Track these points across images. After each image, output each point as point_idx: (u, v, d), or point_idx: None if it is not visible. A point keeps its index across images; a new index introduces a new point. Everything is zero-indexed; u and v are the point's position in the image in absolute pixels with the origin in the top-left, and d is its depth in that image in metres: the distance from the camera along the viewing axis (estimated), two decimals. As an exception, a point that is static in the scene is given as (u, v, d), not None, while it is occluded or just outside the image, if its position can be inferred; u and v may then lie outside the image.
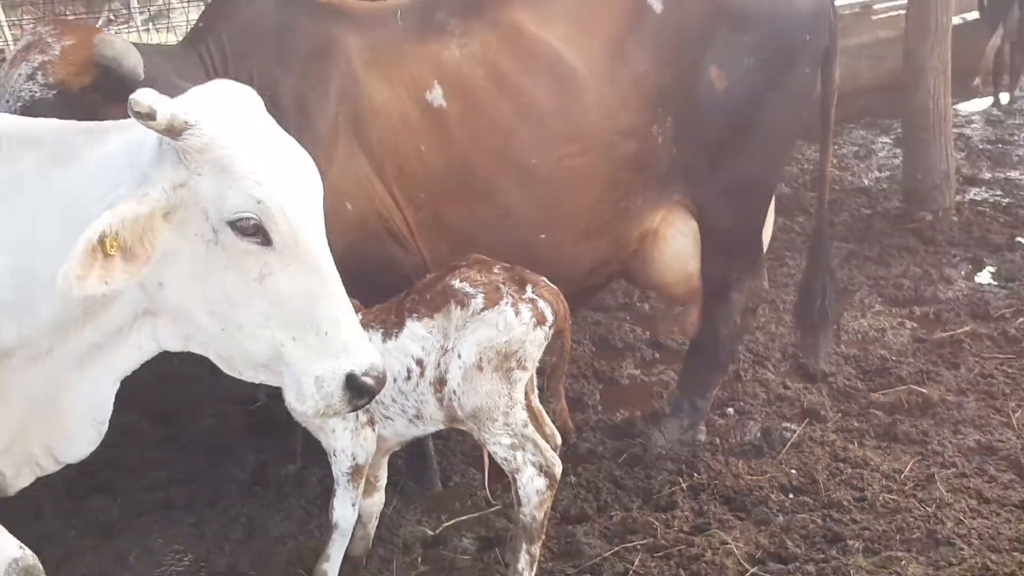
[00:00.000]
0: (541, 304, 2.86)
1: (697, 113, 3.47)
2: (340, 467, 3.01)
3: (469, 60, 3.32)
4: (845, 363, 4.67)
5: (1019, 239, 6.16)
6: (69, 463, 2.59)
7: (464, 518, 3.58)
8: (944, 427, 4.06)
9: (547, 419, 3.10)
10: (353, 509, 3.05)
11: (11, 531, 2.46)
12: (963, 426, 4.06)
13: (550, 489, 2.91)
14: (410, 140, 3.30)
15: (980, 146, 8.21)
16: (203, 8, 4.76)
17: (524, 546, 2.94)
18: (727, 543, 3.32)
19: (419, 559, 3.37)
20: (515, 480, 2.90)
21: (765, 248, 3.98)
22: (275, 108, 2.51)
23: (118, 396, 2.43)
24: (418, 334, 2.88)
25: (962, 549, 3.21)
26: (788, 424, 4.16)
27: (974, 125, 8.93)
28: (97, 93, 2.86)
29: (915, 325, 5.08)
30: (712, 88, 3.45)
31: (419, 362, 2.89)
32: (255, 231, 2.13)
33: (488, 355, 2.80)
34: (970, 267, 5.85)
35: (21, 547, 2.45)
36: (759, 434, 4.09)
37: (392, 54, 3.33)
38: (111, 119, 2.38)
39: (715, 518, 3.49)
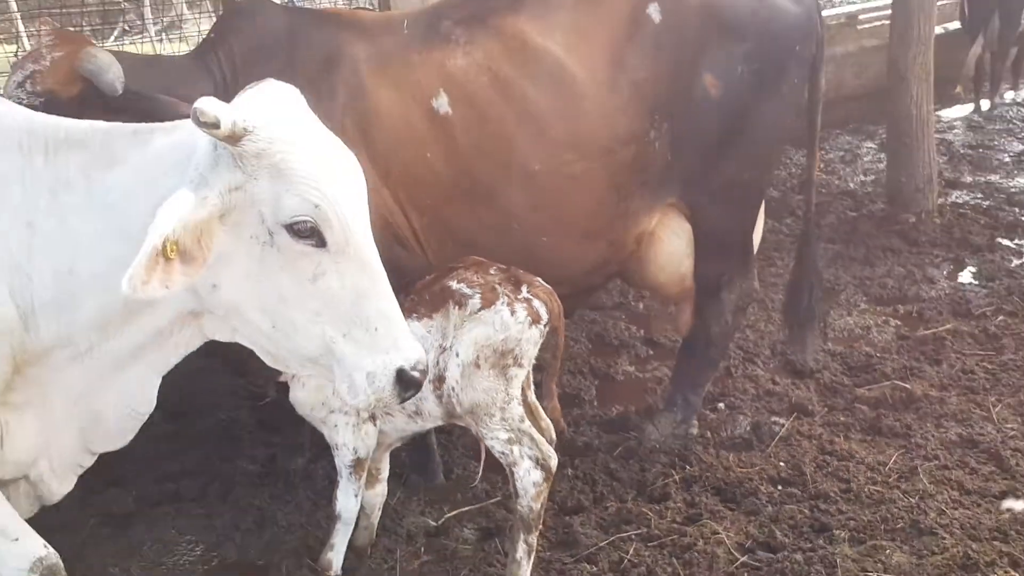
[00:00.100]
0: (536, 303, 2.86)
1: (692, 119, 3.47)
2: (343, 460, 3.01)
3: (474, 68, 3.31)
4: (831, 360, 4.66)
5: (999, 240, 6.16)
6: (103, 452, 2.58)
7: (465, 509, 3.58)
8: (927, 421, 4.06)
9: (543, 414, 3.10)
10: (356, 500, 3.05)
11: (28, 522, 2.47)
12: (945, 420, 4.06)
13: (546, 481, 2.91)
14: (416, 147, 3.29)
15: (962, 151, 8.21)
16: (214, 20, 4.75)
17: (522, 536, 2.94)
18: (718, 533, 3.32)
19: (422, 549, 3.37)
20: (512, 473, 2.90)
21: (755, 249, 3.98)
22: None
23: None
24: (417, 333, 2.87)
25: (944, 538, 3.21)
26: (777, 418, 4.16)
27: (956, 131, 8.93)
28: (84, 103, 2.86)
29: (899, 323, 5.08)
30: (707, 95, 3.45)
31: None
32: (310, 233, 2.11)
33: (485, 353, 2.80)
34: (952, 267, 5.84)
35: (46, 546, 2.45)
36: (749, 428, 4.09)
37: (398, 62, 3.32)
38: None
39: (706, 509, 3.49)
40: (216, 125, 1.95)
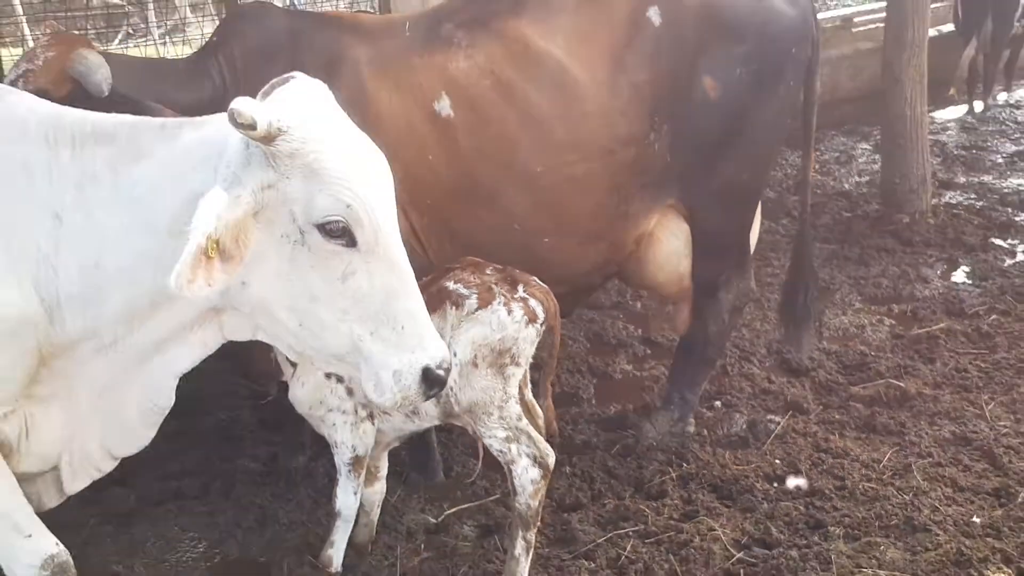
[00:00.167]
0: (532, 303, 2.85)
1: (692, 121, 3.46)
2: (342, 458, 3.01)
3: (476, 71, 3.30)
4: (827, 358, 4.66)
5: (992, 240, 6.16)
6: (124, 457, 2.57)
7: (465, 506, 3.58)
8: (921, 419, 4.05)
9: (540, 412, 3.10)
10: (355, 497, 3.05)
11: (31, 519, 2.46)
12: (939, 418, 4.06)
13: (544, 479, 2.90)
14: (417, 148, 3.28)
15: (955, 152, 8.20)
16: (217, 23, 4.75)
17: (520, 533, 2.93)
18: (714, 529, 3.31)
19: (422, 546, 3.36)
20: (510, 471, 2.90)
21: (752, 250, 3.98)
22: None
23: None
24: None
25: (938, 535, 3.21)
26: (772, 416, 4.15)
27: (949, 132, 8.92)
28: (73, 103, 2.87)
29: (893, 322, 5.08)
30: (706, 97, 3.44)
31: None
32: (342, 233, 2.10)
33: (483, 352, 2.80)
34: (945, 267, 5.84)
35: (57, 544, 2.45)
36: (745, 426, 4.08)
37: (400, 65, 3.31)
38: None
39: (703, 506, 3.48)
40: (253, 126, 1.94)
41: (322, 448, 3.49)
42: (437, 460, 3.77)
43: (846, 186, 7.47)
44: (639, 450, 3.88)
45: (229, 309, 2.27)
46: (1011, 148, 8.30)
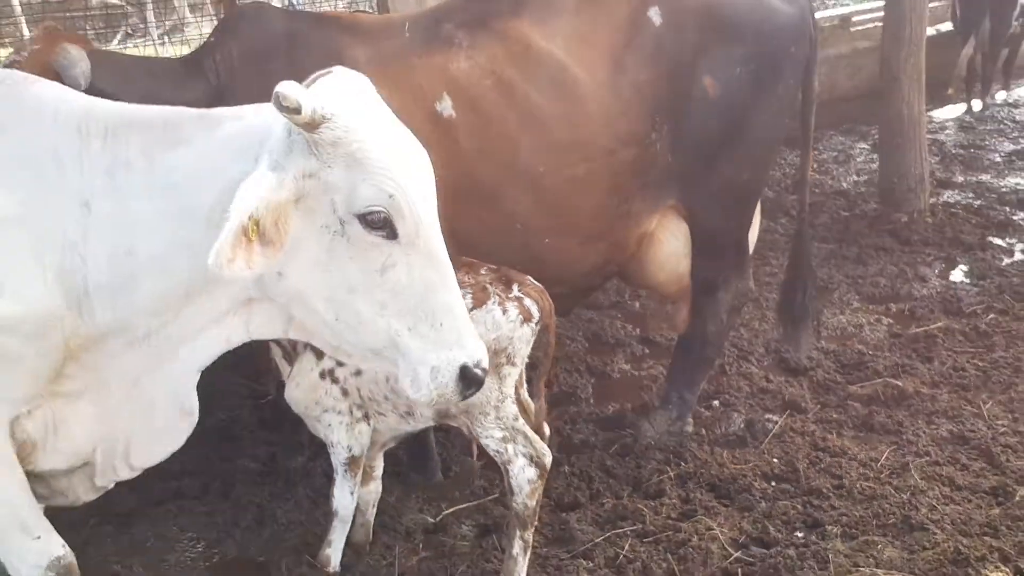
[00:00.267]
0: (527, 302, 2.85)
1: (692, 121, 3.46)
2: (338, 458, 3.01)
3: (478, 72, 3.28)
4: (824, 357, 4.66)
5: (990, 239, 6.16)
6: (138, 467, 2.56)
7: (463, 506, 3.58)
8: (918, 418, 4.05)
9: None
10: (352, 497, 3.05)
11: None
12: (936, 417, 4.06)
13: (541, 478, 2.90)
14: None
15: (953, 151, 8.20)
16: (216, 23, 4.75)
17: (518, 533, 2.93)
18: (712, 528, 3.31)
19: (420, 545, 3.36)
20: (507, 471, 2.90)
21: (751, 249, 3.98)
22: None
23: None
24: None
25: (935, 534, 3.21)
26: (770, 415, 4.15)
27: (947, 131, 8.92)
28: None
29: (891, 321, 5.08)
30: (706, 96, 3.44)
31: None
32: (383, 224, 2.08)
33: (479, 352, 2.79)
34: (943, 266, 5.83)
35: (63, 546, 2.45)
36: (743, 425, 4.08)
37: (400, 65, 3.29)
38: None
39: (701, 505, 3.48)
40: (297, 110, 1.91)
41: (320, 448, 3.48)
42: (435, 460, 3.77)
43: (844, 185, 7.47)
44: (637, 449, 3.88)
45: (262, 301, 2.25)
46: (1009, 147, 8.30)
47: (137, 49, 7.19)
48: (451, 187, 3.30)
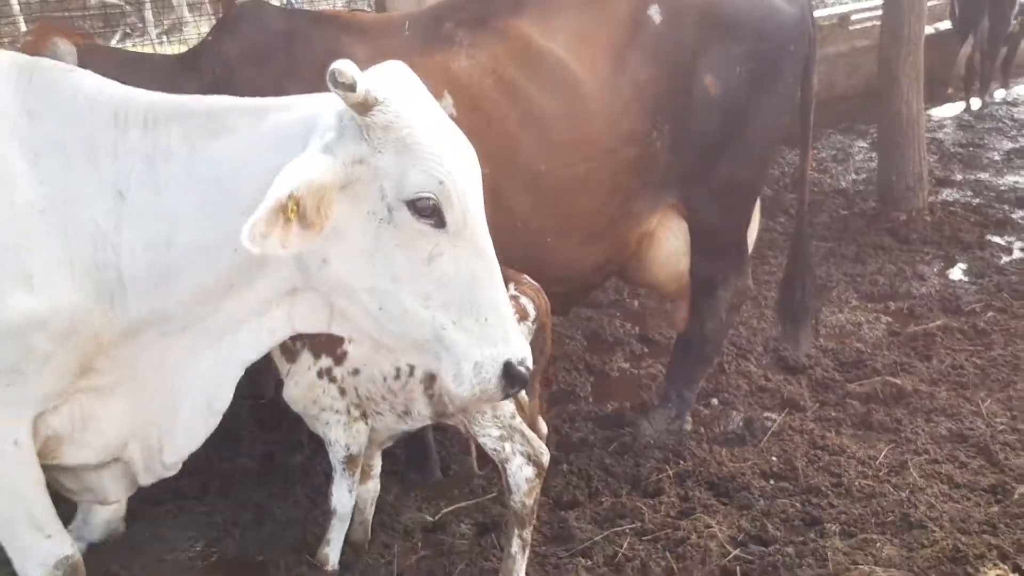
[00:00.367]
0: (523, 300, 2.85)
1: (693, 119, 3.46)
2: (336, 456, 3.01)
3: (478, 70, 3.28)
4: (823, 356, 4.66)
5: (989, 237, 6.16)
6: (171, 465, 2.54)
7: (462, 505, 3.57)
8: (917, 416, 4.05)
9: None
10: (350, 495, 3.05)
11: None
12: (935, 415, 4.06)
13: (538, 477, 2.90)
14: None
15: (952, 149, 8.20)
16: (215, 22, 4.74)
17: (516, 531, 2.93)
18: (711, 527, 3.31)
19: (419, 544, 3.36)
20: (505, 469, 2.89)
21: (751, 248, 3.98)
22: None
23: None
24: None
25: (934, 532, 3.21)
26: (769, 414, 4.15)
27: (946, 129, 8.92)
28: None
29: (890, 319, 5.08)
30: (707, 95, 3.44)
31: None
32: (432, 212, 2.06)
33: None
34: (942, 264, 5.84)
35: (72, 545, 2.45)
36: (742, 423, 4.08)
37: None
38: None
39: (700, 503, 3.48)
40: (352, 88, 1.89)
41: (319, 447, 3.48)
42: (434, 459, 3.77)
43: (843, 184, 7.47)
44: (636, 448, 3.88)
45: (305, 292, 2.22)
46: (1008, 145, 8.30)
47: (136, 48, 7.19)
48: None
